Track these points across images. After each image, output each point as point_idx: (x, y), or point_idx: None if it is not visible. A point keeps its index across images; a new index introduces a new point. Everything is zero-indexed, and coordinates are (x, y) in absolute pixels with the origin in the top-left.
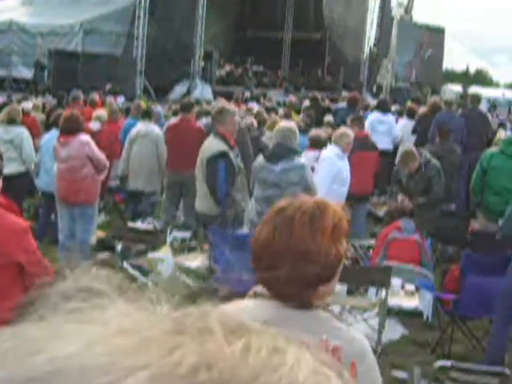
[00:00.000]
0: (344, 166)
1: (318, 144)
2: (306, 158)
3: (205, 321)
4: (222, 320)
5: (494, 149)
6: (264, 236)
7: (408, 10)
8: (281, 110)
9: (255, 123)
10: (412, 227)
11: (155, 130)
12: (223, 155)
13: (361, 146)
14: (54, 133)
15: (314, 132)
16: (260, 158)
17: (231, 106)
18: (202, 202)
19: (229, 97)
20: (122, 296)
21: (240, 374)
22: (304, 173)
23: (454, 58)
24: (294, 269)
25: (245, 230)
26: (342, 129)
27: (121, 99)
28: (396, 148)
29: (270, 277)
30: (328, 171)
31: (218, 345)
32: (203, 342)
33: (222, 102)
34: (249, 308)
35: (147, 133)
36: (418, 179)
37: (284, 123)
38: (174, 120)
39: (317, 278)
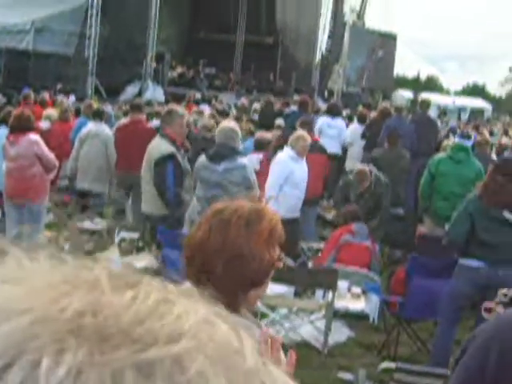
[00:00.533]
0: (298, 169)
1: (261, 146)
2: (249, 159)
3: (95, 273)
4: (113, 273)
5: (441, 154)
6: (199, 236)
7: (360, 15)
8: (232, 113)
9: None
10: (365, 232)
11: (105, 130)
12: (171, 157)
13: (309, 149)
14: (2, 130)
15: (258, 134)
16: (202, 158)
17: (181, 108)
18: (150, 203)
19: (180, 98)
20: (25, 253)
21: (124, 319)
22: (246, 173)
23: (406, 65)
24: (226, 271)
25: (185, 229)
26: (299, 132)
27: (72, 99)
28: (345, 152)
29: (201, 277)
30: (279, 172)
31: (105, 294)
32: (91, 292)
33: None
34: None
35: (97, 133)
36: (368, 198)
37: (226, 123)
38: (124, 120)
39: (248, 282)
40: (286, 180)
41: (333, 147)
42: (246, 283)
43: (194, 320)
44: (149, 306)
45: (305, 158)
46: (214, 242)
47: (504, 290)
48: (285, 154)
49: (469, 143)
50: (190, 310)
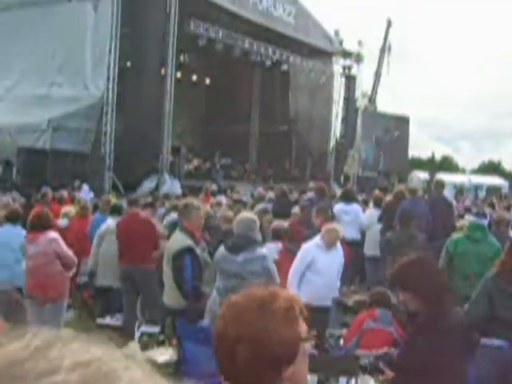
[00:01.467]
0: (322, 257)
1: (278, 235)
2: (267, 248)
3: None
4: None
5: (458, 234)
6: (219, 329)
7: (372, 100)
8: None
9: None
10: (388, 318)
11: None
12: (189, 250)
13: None
14: (20, 230)
15: (275, 224)
16: (221, 249)
17: (197, 201)
18: (170, 295)
19: (197, 191)
20: None
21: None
22: (266, 263)
23: (420, 146)
24: (249, 355)
25: (206, 321)
26: (333, 225)
27: (90, 195)
28: (363, 237)
29: (228, 367)
30: (301, 258)
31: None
32: None
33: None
34: None
35: (115, 228)
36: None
37: (245, 214)
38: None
39: (275, 360)
40: (308, 267)
41: (350, 233)
42: (273, 362)
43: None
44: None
45: (338, 247)
46: (231, 330)
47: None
48: (311, 242)
49: (485, 221)
50: (71, 353)
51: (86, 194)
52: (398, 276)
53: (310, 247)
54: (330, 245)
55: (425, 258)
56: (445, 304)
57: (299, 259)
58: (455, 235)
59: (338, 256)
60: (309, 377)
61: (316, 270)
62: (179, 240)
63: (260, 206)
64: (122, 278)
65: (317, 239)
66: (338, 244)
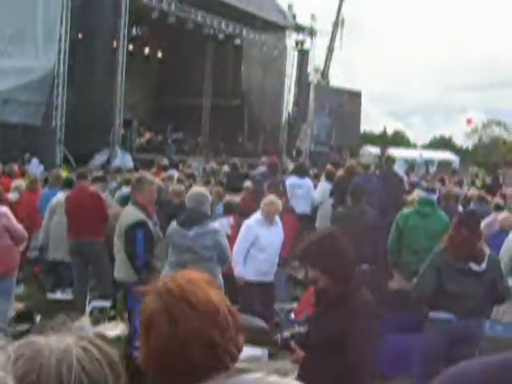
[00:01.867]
0: (264, 234)
1: (230, 210)
2: (220, 223)
3: None
4: None
5: (408, 209)
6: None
7: (324, 75)
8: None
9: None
10: None
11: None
12: (141, 224)
13: None
14: None
15: (226, 198)
16: (173, 224)
17: (151, 175)
18: (121, 269)
19: (149, 165)
20: None
21: None
22: (218, 237)
23: (372, 121)
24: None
25: None
26: (269, 197)
27: (40, 168)
28: (315, 211)
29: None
30: (244, 235)
31: None
32: None
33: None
34: None
35: None
36: None
37: (196, 188)
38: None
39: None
40: (252, 244)
41: (302, 207)
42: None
43: None
44: None
45: (278, 222)
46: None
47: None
48: (252, 219)
49: (434, 196)
50: None
51: (35, 167)
52: (307, 252)
53: (252, 224)
54: (269, 217)
55: (335, 234)
56: (353, 281)
57: (243, 236)
58: (405, 210)
59: (278, 232)
60: (260, 350)
61: (259, 247)
62: (131, 214)
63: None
64: (71, 252)
65: (257, 214)
66: (278, 219)
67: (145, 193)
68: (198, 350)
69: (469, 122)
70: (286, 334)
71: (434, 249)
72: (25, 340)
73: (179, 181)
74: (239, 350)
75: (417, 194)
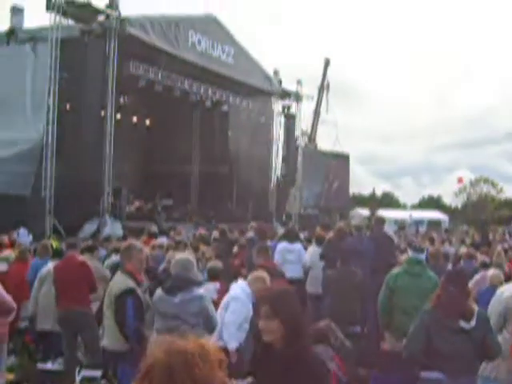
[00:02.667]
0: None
1: (215, 275)
2: (206, 289)
3: None
4: None
5: (397, 269)
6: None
7: (311, 138)
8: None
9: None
10: (329, 355)
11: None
12: (130, 292)
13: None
14: None
15: (211, 263)
16: (159, 291)
17: (139, 243)
18: (111, 338)
19: (139, 232)
20: None
21: None
22: (203, 303)
23: (360, 183)
24: None
25: None
26: (259, 273)
27: (28, 238)
28: (306, 275)
29: None
30: (239, 312)
31: None
32: None
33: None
34: None
35: None
36: None
37: (181, 255)
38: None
39: None
40: (245, 319)
41: (294, 272)
42: None
43: None
44: None
45: None
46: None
47: None
48: (242, 292)
49: (422, 256)
50: None
51: (23, 237)
52: (274, 299)
53: (244, 300)
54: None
55: (292, 292)
56: (307, 341)
57: (237, 312)
58: (395, 270)
59: None
60: None
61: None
62: (121, 282)
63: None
64: (60, 321)
65: (245, 287)
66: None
67: (133, 260)
68: None
69: (460, 180)
70: None
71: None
72: None
73: (170, 248)
74: None
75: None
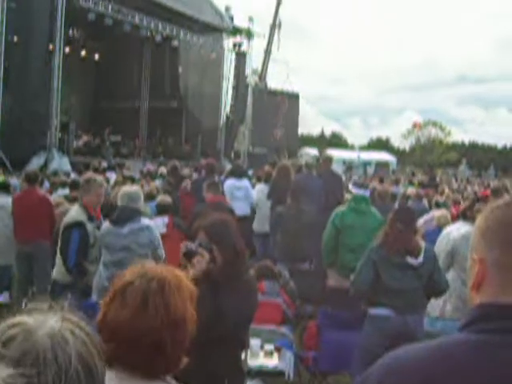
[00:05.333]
0: None
1: (164, 209)
2: (155, 223)
3: None
4: None
5: (343, 207)
6: (128, 312)
7: (262, 77)
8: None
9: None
10: (275, 289)
11: (11, 202)
12: (78, 225)
13: (215, 210)
14: None
15: (160, 198)
16: (106, 223)
17: (100, 177)
18: (59, 269)
19: (86, 167)
20: None
21: None
22: (152, 234)
23: (309, 122)
24: (173, 342)
25: (93, 298)
26: None
27: None
28: (254, 212)
29: (131, 350)
30: None
31: None
32: None
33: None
34: None
35: (3, 205)
36: None
37: (126, 187)
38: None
39: (184, 345)
40: None
41: (241, 209)
42: (183, 346)
43: None
44: None
45: None
46: (153, 312)
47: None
48: None
49: (367, 193)
50: None
51: None
52: (212, 226)
53: None
54: None
55: (230, 221)
56: (243, 267)
57: None
58: (339, 208)
59: None
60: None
61: None
62: (72, 214)
63: None
64: (18, 254)
65: None
66: None
67: (92, 194)
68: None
69: (415, 125)
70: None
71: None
72: (12, 321)
73: (118, 183)
74: (176, 367)
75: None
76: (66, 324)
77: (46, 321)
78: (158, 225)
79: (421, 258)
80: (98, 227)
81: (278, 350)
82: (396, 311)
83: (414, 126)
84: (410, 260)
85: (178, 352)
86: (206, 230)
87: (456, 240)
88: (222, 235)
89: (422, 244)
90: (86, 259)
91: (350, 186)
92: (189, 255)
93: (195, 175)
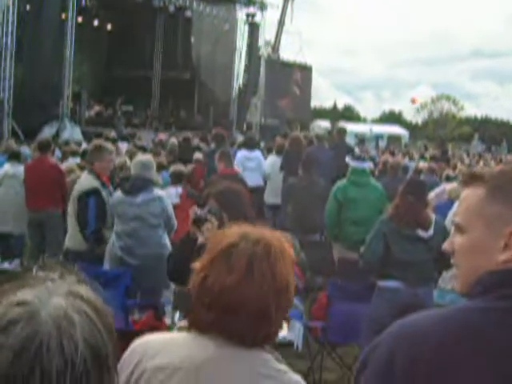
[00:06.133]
0: None
1: (178, 179)
2: (167, 193)
3: None
4: None
5: (343, 181)
6: (235, 277)
7: (275, 48)
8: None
9: (128, 162)
10: None
11: (23, 171)
12: (94, 192)
13: (227, 181)
14: None
15: (174, 167)
16: (118, 193)
17: (110, 145)
18: (72, 237)
19: (98, 137)
20: None
21: None
22: (164, 204)
23: (322, 95)
24: (277, 309)
25: (106, 266)
26: None
27: None
28: (265, 184)
29: (234, 317)
30: None
31: None
32: None
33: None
34: (182, 342)
35: (15, 174)
36: None
37: (140, 156)
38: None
39: (286, 312)
40: None
41: (254, 180)
42: (281, 316)
43: None
44: None
45: None
46: (259, 278)
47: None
48: None
49: (366, 165)
50: None
51: None
52: (222, 193)
53: None
54: None
55: (240, 190)
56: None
57: None
58: (340, 182)
59: None
60: None
61: None
62: (86, 181)
63: None
64: (32, 223)
65: None
66: None
67: (103, 161)
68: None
69: (413, 101)
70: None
71: (372, 218)
72: (14, 299)
73: (131, 153)
74: (276, 335)
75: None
76: (72, 300)
77: (51, 297)
78: (172, 194)
79: (431, 231)
80: (110, 194)
81: (287, 320)
82: (406, 283)
83: (413, 101)
84: (421, 232)
85: (280, 320)
86: (216, 197)
87: None
88: (232, 202)
89: (433, 216)
90: (104, 226)
91: (348, 159)
92: (198, 222)
93: (203, 146)
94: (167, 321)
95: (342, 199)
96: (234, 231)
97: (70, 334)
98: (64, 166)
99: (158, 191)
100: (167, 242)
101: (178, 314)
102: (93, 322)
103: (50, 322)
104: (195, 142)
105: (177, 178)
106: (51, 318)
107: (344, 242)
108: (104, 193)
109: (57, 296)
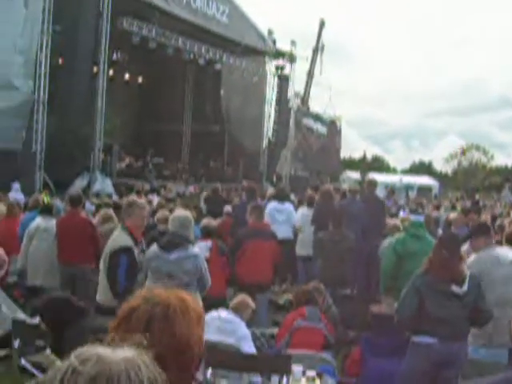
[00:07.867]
0: None
1: (208, 233)
2: (199, 247)
3: None
4: None
5: (401, 234)
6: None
7: (304, 100)
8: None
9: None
10: (317, 315)
11: (55, 224)
12: (126, 250)
13: (258, 235)
14: None
15: (205, 221)
16: (154, 247)
17: (142, 200)
18: (102, 294)
19: (129, 190)
20: None
21: None
22: (198, 262)
23: (351, 146)
24: (178, 368)
25: None
26: (243, 297)
27: (20, 194)
28: (296, 236)
29: None
30: None
31: None
32: None
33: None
34: None
35: (47, 228)
36: None
37: (179, 212)
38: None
39: (189, 370)
40: None
41: (283, 232)
42: (192, 371)
43: None
44: None
45: None
46: (159, 340)
47: None
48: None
49: (421, 218)
50: None
51: (16, 192)
52: None
53: None
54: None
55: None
56: None
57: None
58: (398, 235)
59: None
60: (237, 375)
61: None
62: (119, 239)
63: None
64: (64, 276)
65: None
66: None
67: (135, 217)
68: None
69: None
70: None
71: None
72: (87, 348)
73: (160, 206)
74: None
75: (402, 218)
76: (139, 355)
77: (121, 350)
78: (202, 248)
79: (465, 287)
80: (143, 251)
81: (319, 376)
82: (439, 340)
83: (463, 152)
84: (455, 288)
85: (183, 378)
86: None
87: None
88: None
89: (467, 271)
90: (134, 284)
91: (402, 213)
92: None
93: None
94: None
95: (401, 252)
96: (140, 295)
97: (137, 373)
98: (101, 213)
99: (193, 249)
100: (200, 300)
101: None
102: (155, 375)
103: (121, 362)
104: (224, 194)
105: (207, 233)
106: (122, 360)
107: (397, 295)
108: (135, 250)
109: (126, 350)
